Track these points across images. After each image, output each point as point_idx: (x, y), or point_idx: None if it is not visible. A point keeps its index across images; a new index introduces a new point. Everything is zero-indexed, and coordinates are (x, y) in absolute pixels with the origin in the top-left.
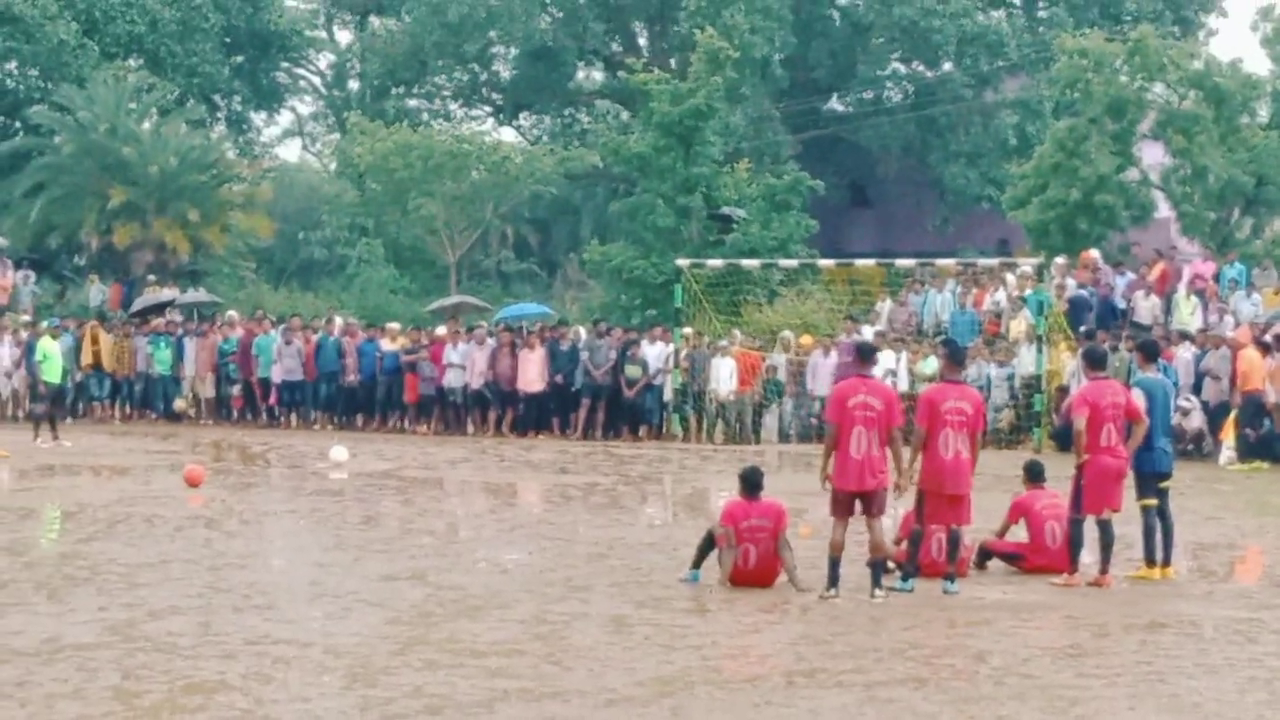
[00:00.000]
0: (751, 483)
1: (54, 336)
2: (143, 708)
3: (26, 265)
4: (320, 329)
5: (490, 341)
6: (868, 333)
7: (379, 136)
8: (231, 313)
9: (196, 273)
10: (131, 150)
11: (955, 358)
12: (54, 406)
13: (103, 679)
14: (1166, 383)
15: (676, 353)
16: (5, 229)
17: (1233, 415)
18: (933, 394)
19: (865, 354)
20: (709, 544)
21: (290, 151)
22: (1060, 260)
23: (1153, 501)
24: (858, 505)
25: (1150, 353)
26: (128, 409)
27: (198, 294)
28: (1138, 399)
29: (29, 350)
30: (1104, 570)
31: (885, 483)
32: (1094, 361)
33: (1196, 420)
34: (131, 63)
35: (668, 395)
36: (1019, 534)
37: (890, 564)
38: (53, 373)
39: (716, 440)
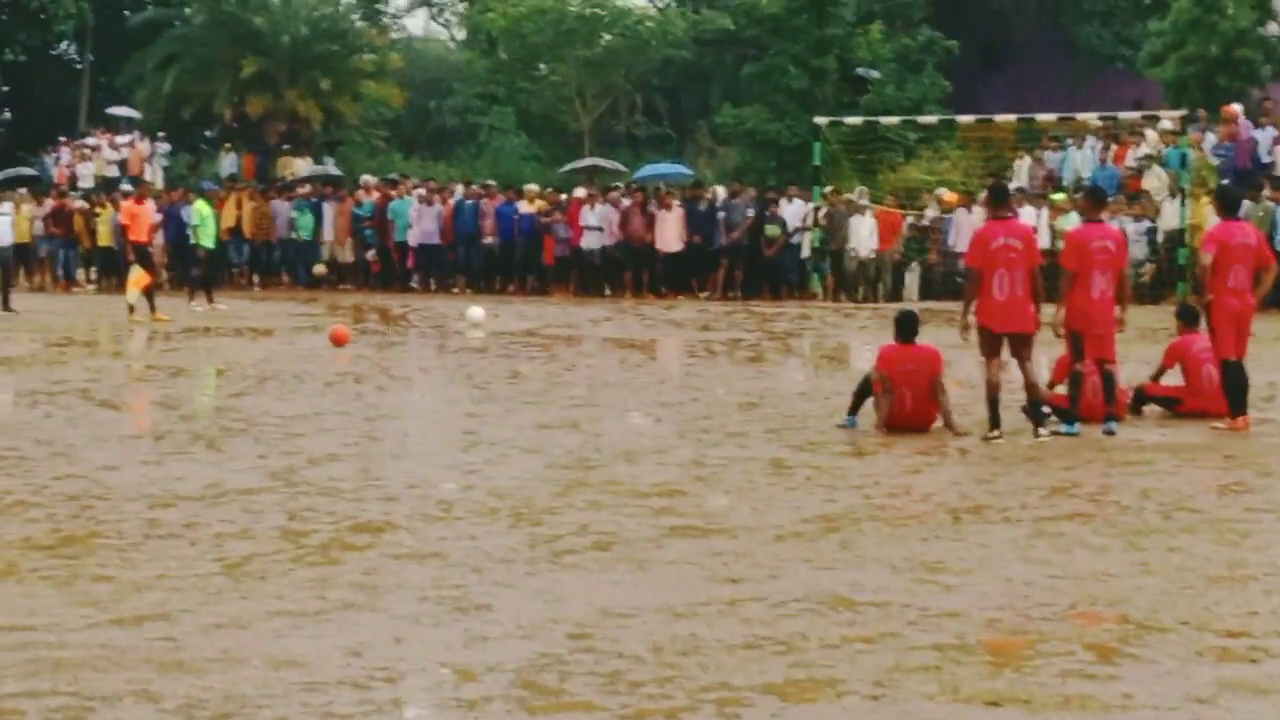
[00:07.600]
0: (907, 327)
1: (208, 200)
2: (311, 545)
3: (160, 137)
4: (457, 193)
5: (625, 201)
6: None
7: (511, 1)
8: (366, 176)
9: (330, 143)
10: (263, 20)
11: (1095, 197)
12: (209, 269)
13: (269, 520)
14: None
15: (815, 211)
16: (139, 101)
17: None
18: (1077, 234)
19: (998, 195)
20: (865, 389)
21: (416, 24)
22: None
23: None
24: (1005, 347)
25: None
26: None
27: (322, 168)
28: None
29: (169, 216)
30: (1237, 413)
31: (1032, 325)
32: (1226, 203)
33: None
34: None
35: (806, 254)
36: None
37: (1046, 408)
38: (208, 236)
39: (856, 298)
